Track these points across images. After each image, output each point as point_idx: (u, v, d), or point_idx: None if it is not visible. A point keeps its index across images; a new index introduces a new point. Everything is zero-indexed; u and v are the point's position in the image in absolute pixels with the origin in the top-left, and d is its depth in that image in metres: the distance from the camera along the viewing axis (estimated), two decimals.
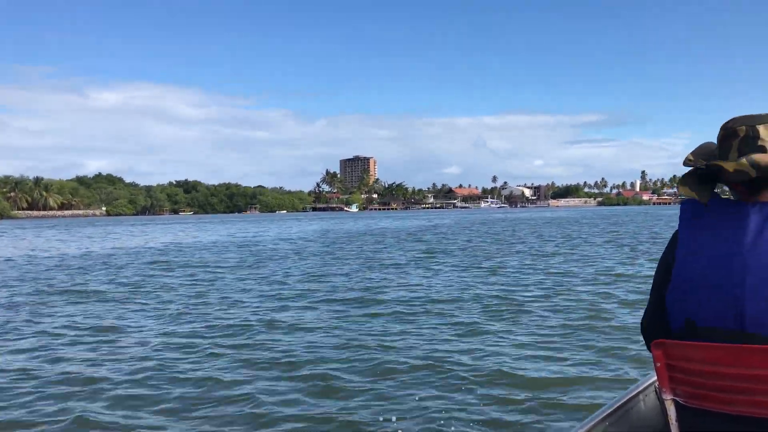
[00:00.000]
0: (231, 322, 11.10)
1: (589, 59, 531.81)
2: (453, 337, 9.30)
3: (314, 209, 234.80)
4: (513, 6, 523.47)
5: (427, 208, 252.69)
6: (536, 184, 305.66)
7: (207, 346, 9.13)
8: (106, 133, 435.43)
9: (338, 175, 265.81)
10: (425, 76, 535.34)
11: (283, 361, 8.11)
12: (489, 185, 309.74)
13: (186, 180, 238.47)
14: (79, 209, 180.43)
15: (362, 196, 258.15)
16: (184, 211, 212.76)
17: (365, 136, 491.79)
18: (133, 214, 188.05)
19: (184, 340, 9.62)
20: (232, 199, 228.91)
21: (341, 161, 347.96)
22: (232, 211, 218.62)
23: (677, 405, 2.15)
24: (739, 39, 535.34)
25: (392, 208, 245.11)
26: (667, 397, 2.15)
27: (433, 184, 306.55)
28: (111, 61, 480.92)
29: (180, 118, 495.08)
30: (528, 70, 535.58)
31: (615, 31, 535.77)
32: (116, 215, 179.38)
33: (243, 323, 10.93)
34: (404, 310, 11.92)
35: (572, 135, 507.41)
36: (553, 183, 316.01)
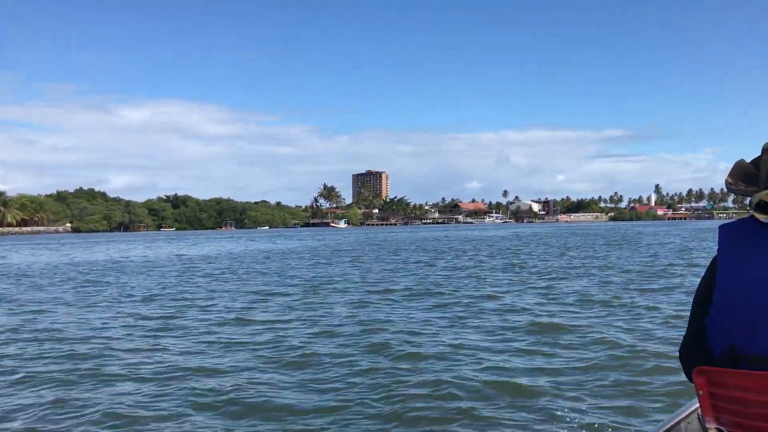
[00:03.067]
0: None
1: (613, 73, 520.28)
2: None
3: (308, 224, 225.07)
4: (537, 23, 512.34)
5: (429, 223, 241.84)
6: (546, 198, 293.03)
7: None
8: (132, 149, 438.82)
9: (335, 190, 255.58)
10: (450, 91, 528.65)
11: None
12: (503, 200, 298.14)
13: (176, 195, 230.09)
14: (42, 225, 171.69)
15: (360, 211, 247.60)
16: (166, 227, 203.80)
17: (388, 152, 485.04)
18: (106, 231, 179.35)
19: None
20: (221, 215, 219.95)
21: (353, 176, 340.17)
22: (220, 227, 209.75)
23: None
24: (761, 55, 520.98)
25: (391, 224, 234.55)
26: (711, 426, 2.11)
27: (443, 198, 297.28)
28: (136, 78, 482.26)
29: (205, 134, 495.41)
30: (551, 85, 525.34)
31: (639, 44, 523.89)
32: (88, 231, 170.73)
33: None
34: None
35: (596, 150, 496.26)
36: (568, 198, 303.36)
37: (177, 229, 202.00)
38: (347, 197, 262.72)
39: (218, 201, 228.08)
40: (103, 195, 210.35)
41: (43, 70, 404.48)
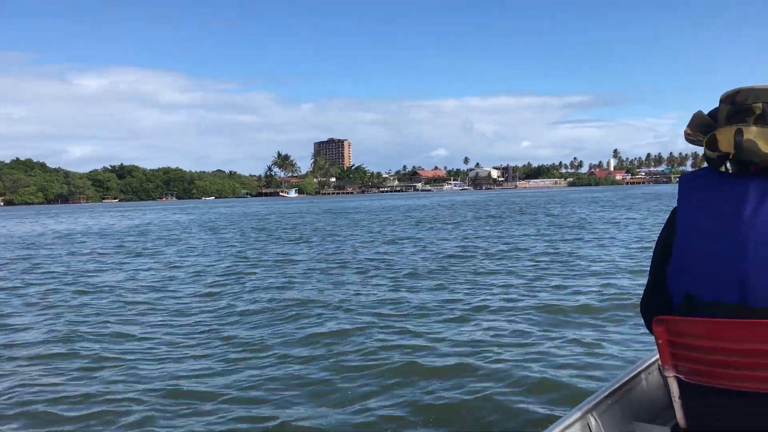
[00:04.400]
0: None
1: (575, 39, 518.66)
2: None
3: (260, 194, 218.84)
4: None
5: (386, 191, 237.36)
6: (506, 165, 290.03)
7: None
8: (89, 119, 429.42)
9: (290, 158, 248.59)
10: (413, 59, 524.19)
11: None
12: (464, 167, 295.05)
13: (121, 165, 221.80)
14: None
15: (315, 180, 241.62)
16: (110, 198, 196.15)
17: (352, 120, 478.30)
18: (42, 203, 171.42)
19: None
20: (169, 185, 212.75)
21: (315, 144, 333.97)
22: (172, 197, 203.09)
23: (680, 382, 2.13)
24: (728, 20, 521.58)
25: (348, 193, 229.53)
26: (670, 374, 2.13)
27: (404, 166, 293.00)
28: (93, 46, 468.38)
29: (164, 103, 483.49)
30: (514, 51, 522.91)
31: (602, 10, 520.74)
32: (22, 204, 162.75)
33: None
34: None
35: (560, 116, 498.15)
36: (529, 164, 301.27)
37: (121, 200, 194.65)
38: (309, 166, 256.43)
39: (166, 171, 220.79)
40: (43, 165, 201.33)
41: None
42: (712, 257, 1.96)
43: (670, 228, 2.16)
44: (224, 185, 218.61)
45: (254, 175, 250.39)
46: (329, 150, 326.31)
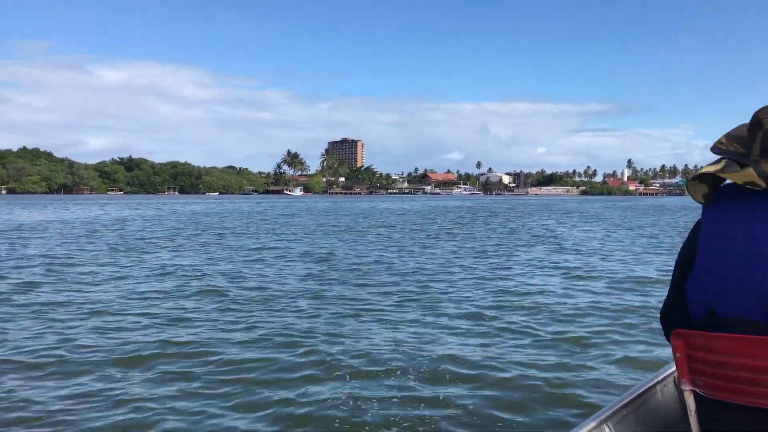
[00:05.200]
0: None
1: (595, 48, 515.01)
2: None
3: (267, 192, 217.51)
4: None
5: (394, 193, 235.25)
6: (518, 171, 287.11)
7: None
8: (108, 110, 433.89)
9: (299, 156, 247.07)
10: (431, 60, 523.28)
11: None
12: (476, 171, 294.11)
13: (130, 157, 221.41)
14: None
15: (324, 179, 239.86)
16: (114, 190, 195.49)
17: (368, 120, 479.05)
18: (45, 193, 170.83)
19: None
20: (176, 179, 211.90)
21: (329, 143, 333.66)
22: (175, 192, 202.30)
23: (696, 396, 2.12)
24: (750, 31, 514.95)
25: (356, 193, 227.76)
26: (687, 388, 2.13)
27: (415, 168, 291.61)
28: (114, 38, 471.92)
29: (183, 97, 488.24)
30: (533, 58, 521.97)
31: (622, 19, 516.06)
32: (24, 193, 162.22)
33: None
34: None
35: (577, 124, 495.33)
36: (543, 171, 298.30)
37: (127, 193, 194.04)
38: (318, 165, 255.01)
39: (174, 165, 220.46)
40: (49, 155, 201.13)
41: (14, 26, 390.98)
42: (735, 272, 1.93)
43: (693, 240, 2.11)
44: (231, 181, 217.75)
45: (264, 173, 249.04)
46: (342, 150, 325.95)
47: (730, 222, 1.98)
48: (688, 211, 53.69)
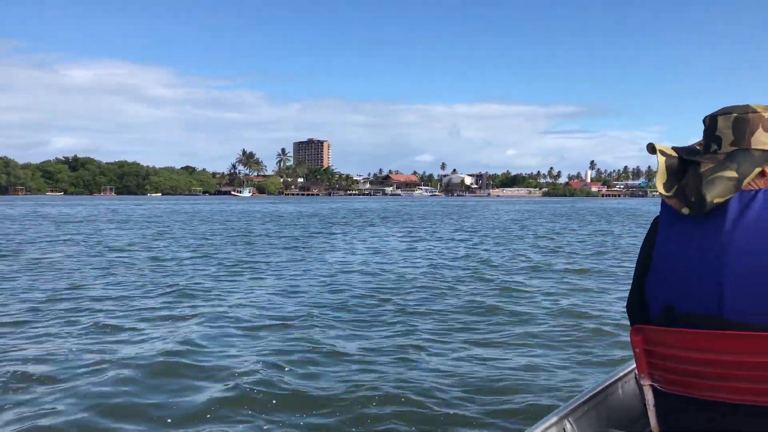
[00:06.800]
0: None
1: (565, 50, 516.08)
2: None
3: (218, 192, 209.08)
4: None
5: (353, 194, 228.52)
6: (481, 172, 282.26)
7: None
8: (75, 110, 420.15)
9: (255, 156, 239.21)
10: (403, 62, 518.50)
11: None
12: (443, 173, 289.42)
13: (75, 156, 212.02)
14: None
15: (280, 179, 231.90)
16: (56, 191, 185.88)
17: (340, 121, 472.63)
18: None
19: None
20: (123, 179, 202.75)
21: (294, 144, 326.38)
22: (121, 192, 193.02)
23: (655, 390, 2.17)
24: (718, 34, 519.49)
25: (314, 194, 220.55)
26: (646, 383, 2.17)
27: (380, 170, 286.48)
28: (82, 38, 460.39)
29: (151, 97, 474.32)
30: (504, 60, 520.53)
31: (591, 21, 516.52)
32: None
33: None
34: None
35: (546, 125, 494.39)
36: (508, 172, 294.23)
37: (69, 193, 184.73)
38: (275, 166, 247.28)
39: (121, 164, 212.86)
40: None
41: None
42: (689, 269, 2.00)
43: (651, 238, 2.18)
44: (180, 182, 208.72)
45: (219, 173, 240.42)
46: (308, 150, 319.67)
47: (685, 220, 2.04)
48: (622, 218, 49.32)
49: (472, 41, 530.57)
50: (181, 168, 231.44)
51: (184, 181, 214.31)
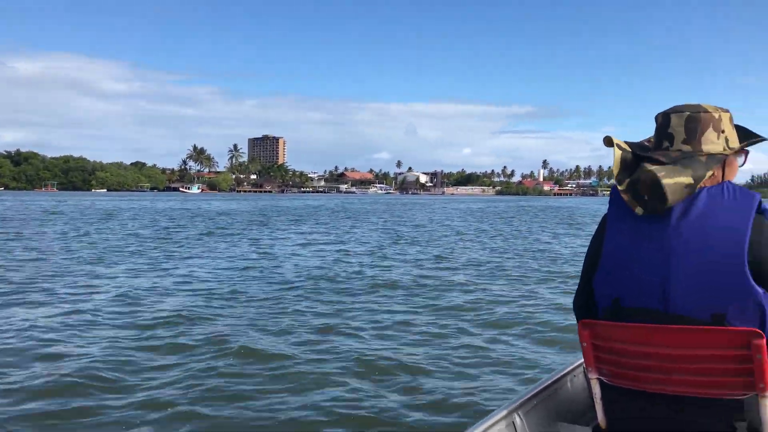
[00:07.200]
0: None
1: (521, 50, 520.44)
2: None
3: (168, 189, 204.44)
4: None
5: (307, 192, 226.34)
6: (436, 170, 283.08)
7: None
8: (23, 104, 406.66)
9: (205, 152, 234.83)
10: (362, 60, 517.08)
11: None
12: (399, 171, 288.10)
13: (17, 150, 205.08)
14: None
15: (232, 176, 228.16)
16: None
17: (297, 119, 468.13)
18: None
19: None
20: (68, 175, 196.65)
21: (249, 140, 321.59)
22: (66, 188, 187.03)
23: (602, 384, 2.21)
24: (668, 38, 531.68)
25: (266, 191, 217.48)
26: (593, 376, 2.21)
27: (336, 167, 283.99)
28: (31, 29, 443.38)
29: (104, 92, 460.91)
30: (459, 59, 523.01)
31: (547, 23, 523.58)
32: None
33: None
34: None
35: (502, 125, 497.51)
36: (463, 170, 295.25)
37: (10, 188, 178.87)
38: (227, 162, 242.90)
39: (66, 159, 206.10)
40: None
41: None
42: (637, 264, 2.05)
43: (599, 235, 2.22)
44: (128, 177, 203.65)
45: (169, 169, 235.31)
46: (263, 147, 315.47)
47: (633, 216, 2.09)
48: (561, 217, 48.47)
49: (429, 41, 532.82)
50: (131, 164, 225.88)
51: (132, 177, 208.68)
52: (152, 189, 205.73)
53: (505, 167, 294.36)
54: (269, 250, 20.11)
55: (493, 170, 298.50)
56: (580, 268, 2.38)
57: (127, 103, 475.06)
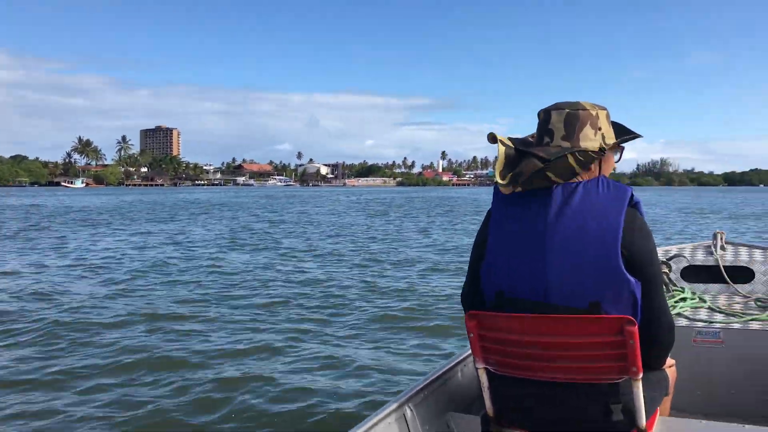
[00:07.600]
0: None
1: (420, 43, 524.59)
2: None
3: (50, 183, 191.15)
4: None
5: (203, 185, 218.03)
6: (337, 162, 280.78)
7: None
8: None
9: (92, 144, 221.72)
10: (261, 48, 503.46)
11: None
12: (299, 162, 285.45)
13: None
14: None
15: (121, 168, 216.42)
16: None
17: (192, 109, 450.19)
18: None
19: None
20: None
21: (141, 131, 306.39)
22: None
23: (489, 373, 2.28)
24: (571, 32, 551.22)
25: (158, 185, 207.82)
26: (480, 366, 2.27)
27: (233, 159, 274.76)
28: None
29: None
30: (362, 50, 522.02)
31: (446, 15, 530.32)
32: None
33: None
34: None
35: (402, 117, 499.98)
36: (365, 162, 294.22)
37: None
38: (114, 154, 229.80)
39: None
40: None
41: None
42: (519, 257, 2.13)
43: (484, 227, 2.28)
44: (4, 171, 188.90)
45: (52, 162, 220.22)
46: (156, 139, 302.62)
47: (517, 210, 2.17)
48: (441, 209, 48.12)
49: (332, 31, 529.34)
50: (9, 157, 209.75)
51: (9, 171, 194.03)
52: (33, 184, 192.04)
53: (405, 158, 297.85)
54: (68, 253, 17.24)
55: (394, 162, 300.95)
56: (465, 260, 2.41)
57: (8, 92, 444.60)
